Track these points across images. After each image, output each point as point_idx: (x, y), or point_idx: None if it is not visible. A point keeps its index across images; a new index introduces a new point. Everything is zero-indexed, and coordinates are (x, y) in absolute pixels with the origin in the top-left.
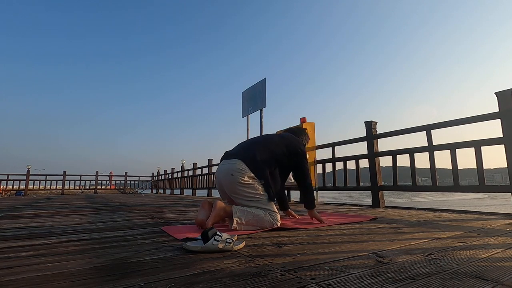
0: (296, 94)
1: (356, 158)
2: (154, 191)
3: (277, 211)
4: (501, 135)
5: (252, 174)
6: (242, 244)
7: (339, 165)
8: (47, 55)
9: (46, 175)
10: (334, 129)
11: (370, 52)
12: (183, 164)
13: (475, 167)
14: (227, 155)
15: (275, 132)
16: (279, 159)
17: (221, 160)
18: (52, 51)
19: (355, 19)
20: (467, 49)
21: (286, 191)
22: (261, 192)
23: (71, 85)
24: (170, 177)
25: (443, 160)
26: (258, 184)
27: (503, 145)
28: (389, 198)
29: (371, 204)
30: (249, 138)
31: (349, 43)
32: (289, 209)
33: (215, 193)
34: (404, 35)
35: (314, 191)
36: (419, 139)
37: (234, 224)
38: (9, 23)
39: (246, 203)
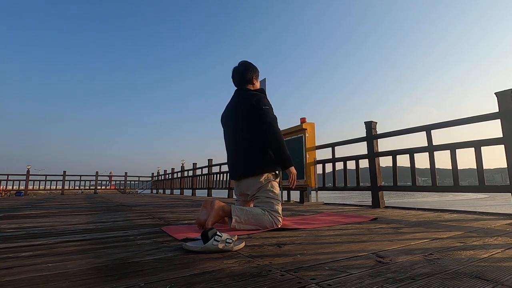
0: (294, 93)
1: (356, 158)
2: (154, 191)
3: (280, 213)
4: (501, 135)
5: (265, 174)
6: (242, 244)
7: (339, 165)
8: (41, 48)
9: (46, 175)
10: (331, 127)
11: (368, 51)
12: (183, 164)
13: (475, 167)
14: (234, 175)
15: None
16: (260, 133)
17: (230, 175)
18: (45, 45)
19: (352, 18)
20: (468, 45)
21: (286, 191)
22: (275, 191)
23: (61, 80)
24: (170, 177)
25: (443, 160)
26: (274, 180)
27: (503, 145)
28: (391, 198)
29: (371, 204)
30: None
31: (347, 42)
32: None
33: (215, 193)
34: (402, 33)
35: (314, 191)
36: (420, 139)
37: (233, 223)
38: None
39: (263, 199)
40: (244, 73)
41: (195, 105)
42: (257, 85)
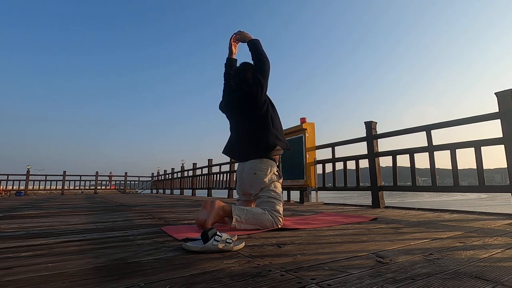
0: (293, 92)
1: (356, 158)
2: (154, 191)
3: (281, 213)
4: (501, 135)
5: (272, 168)
6: (242, 245)
7: (339, 165)
8: (38, 45)
9: (46, 175)
10: (330, 127)
11: (367, 50)
12: (183, 164)
13: (475, 167)
14: (237, 155)
15: None
16: (260, 107)
17: (230, 156)
18: (42, 42)
19: (350, 18)
20: (469, 43)
21: (286, 191)
22: (277, 191)
23: (60, 78)
24: (170, 177)
25: (443, 160)
26: (277, 181)
27: (503, 145)
28: (393, 198)
29: (371, 204)
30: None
31: (345, 42)
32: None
33: (215, 193)
34: (400, 32)
35: (314, 191)
36: (420, 139)
37: (234, 222)
38: None
39: (264, 199)
40: (243, 72)
41: (196, 104)
42: None
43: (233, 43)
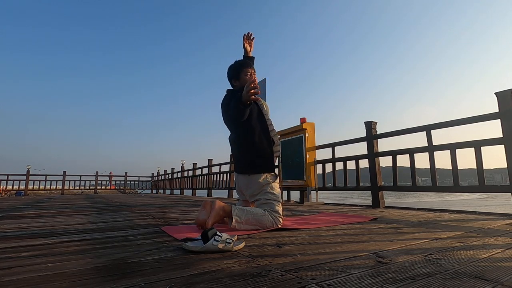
0: (293, 92)
1: (356, 158)
2: (154, 191)
3: (281, 213)
4: (501, 135)
5: (264, 174)
6: (242, 245)
7: (339, 165)
8: (36, 44)
9: (46, 175)
10: (330, 127)
11: (366, 50)
12: (183, 164)
13: (475, 167)
14: (236, 167)
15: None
16: (245, 124)
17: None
18: (40, 41)
19: (350, 18)
20: (473, 41)
21: (286, 191)
22: (275, 192)
23: (60, 77)
24: (170, 177)
25: (443, 160)
26: (273, 182)
27: (503, 145)
28: (396, 198)
29: (371, 204)
30: None
31: (345, 42)
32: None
33: (215, 193)
34: (400, 32)
35: (314, 191)
36: (420, 139)
37: (234, 223)
38: None
39: (262, 201)
40: (227, 74)
41: (196, 104)
42: (238, 84)
43: (246, 41)
